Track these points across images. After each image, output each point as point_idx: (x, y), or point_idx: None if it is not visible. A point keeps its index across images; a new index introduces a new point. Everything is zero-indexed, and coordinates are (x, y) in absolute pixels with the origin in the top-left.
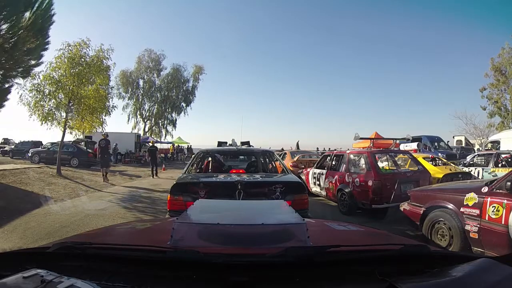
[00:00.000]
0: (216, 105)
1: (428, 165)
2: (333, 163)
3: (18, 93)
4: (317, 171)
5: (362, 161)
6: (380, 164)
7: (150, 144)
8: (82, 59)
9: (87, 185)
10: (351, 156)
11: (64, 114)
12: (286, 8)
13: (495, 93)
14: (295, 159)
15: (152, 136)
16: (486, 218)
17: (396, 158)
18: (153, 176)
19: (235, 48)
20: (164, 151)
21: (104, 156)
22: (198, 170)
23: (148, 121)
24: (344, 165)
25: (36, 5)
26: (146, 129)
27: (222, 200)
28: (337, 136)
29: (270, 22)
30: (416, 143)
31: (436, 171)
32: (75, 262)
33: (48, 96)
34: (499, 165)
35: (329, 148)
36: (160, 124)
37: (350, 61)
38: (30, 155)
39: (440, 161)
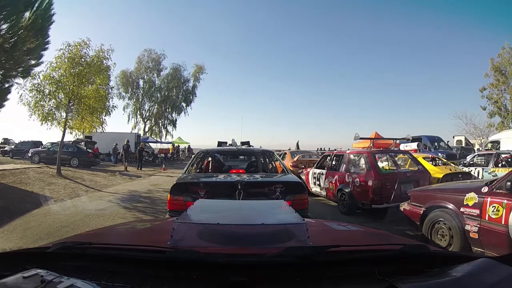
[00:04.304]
0: (216, 105)
1: (428, 165)
2: (333, 163)
3: (18, 93)
4: (317, 171)
5: (362, 161)
6: (380, 164)
7: (140, 146)
8: (82, 59)
9: (87, 185)
10: (351, 156)
11: (64, 114)
12: (286, 8)
13: (495, 93)
14: (295, 159)
15: (152, 136)
16: (486, 218)
17: (396, 158)
18: (139, 169)
19: (235, 48)
20: (164, 151)
21: (127, 155)
22: (198, 170)
23: (148, 121)
24: (344, 165)
25: (36, 5)
26: (146, 129)
27: (222, 200)
28: (337, 136)
29: (270, 22)
30: (416, 143)
31: (436, 171)
32: (75, 262)
33: (48, 96)
34: (499, 165)
35: (329, 148)
36: (160, 124)
37: (350, 61)
38: (30, 155)
39: (440, 161)
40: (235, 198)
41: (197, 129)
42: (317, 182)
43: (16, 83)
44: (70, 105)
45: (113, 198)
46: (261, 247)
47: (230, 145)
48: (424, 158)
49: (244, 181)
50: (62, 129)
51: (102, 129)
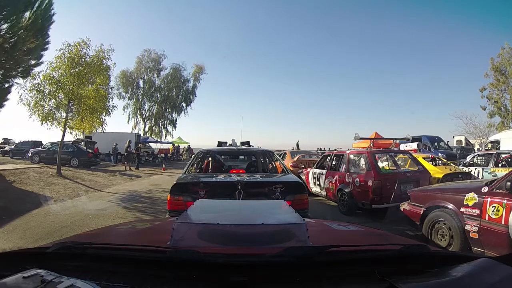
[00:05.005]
0: (216, 105)
1: (428, 165)
2: (333, 163)
3: (18, 93)
4: (317, 171)
5: (362, 161)
6: (380, 164)
7: (138, 146)
8: (82, 59)
9: (87, 185)
10: (351, 156)
11: (64, 114)
12: (286, 8)
13: (495, 93)
14: (295, 159)
15: (152, 136)
16: (486, 218)
17: (396, 158)
18: (137, 169)
19: (235, 48)
20: (164, 151)
21: (128, 155)
22: (198, 170)
23: (148, 121)
24: (344, 165)
25: (36, 5)
26: (146, 129)
27: (222, 200)
28: (337, 136)
29: (270, 22)
30: (416, 143)
31: (436, 171)
32: (75, 262)
33: (48, 96)
34: (499, 165)
35: (329, 148)
36: (160, 124)
37: (350, 61)
38: (30, 155)
39: (440, 161)
40: (235, 198)
41: (197, 129)
42: (317, 182)
43: (16, 83)
44: (70, 105)
45: (113, 198)
46: (261, 247)
47: (230, 145)
48: (424, 158)
49: (244, 181)
50: (62, 129)
51: (102, 129)
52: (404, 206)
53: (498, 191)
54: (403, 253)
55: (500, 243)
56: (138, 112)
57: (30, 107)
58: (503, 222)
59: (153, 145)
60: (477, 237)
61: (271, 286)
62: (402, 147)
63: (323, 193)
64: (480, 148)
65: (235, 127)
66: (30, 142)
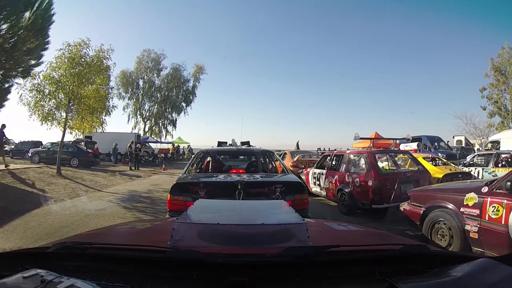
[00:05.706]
0: (216, 105)
1: (428, 165)
2: (333, 163)
3: (18, 93)
4: (317, 171)
5: (362, 161)
6: (380, 164)
7: (136, 146)
8: (82, 59)
9: (87, 185)
10: (351, 156)
11: (64, 114)
12: (286, 8)
13: (495, 93)
14: (295, 159)
15: (152, 136)
16: (486, 218)
17: (396, 158)
18: (136, 169)
19: (235, 48)
20: (164, 151)
21: (132, 155)
22: (198, 170)
23: (148, 121)
24: (344, 165)
25: (36, 5)
26: (146, 129)
27: (222, 200)
28: (337, 136)
29: (270, 22)
30: (416, 143)
31: (436, 171)
32: (75, 262)
33: (48, 96)
34: (499, 165)
35: (329, 148)
36: (160, 124)
37: (350, 61)
38: (30, 155)
39: (440, 161)
40: (235, 198)
41: (197, 129)
42: (317, 182)
43: (16, 83)
44: (70, 105)
45: (113, 198)
46: (261, 247)
47: (230, 145)
48: (424, 158)
49: (244, 181)
50: (62, 129)
51: (102, 129)
52: (404, 206)
53: (498, 191)
54: (403, 253)
55: (500, 243)
56: (138, 112)
57: (30, 107)
58: (503, 222)
59: (153, 145)
60: (477, 237)
61: (271, 286)
62: (402, 147)
63: (323, 193)
64: (480, 148)
65: (235, 127)
66: (30, 142)
